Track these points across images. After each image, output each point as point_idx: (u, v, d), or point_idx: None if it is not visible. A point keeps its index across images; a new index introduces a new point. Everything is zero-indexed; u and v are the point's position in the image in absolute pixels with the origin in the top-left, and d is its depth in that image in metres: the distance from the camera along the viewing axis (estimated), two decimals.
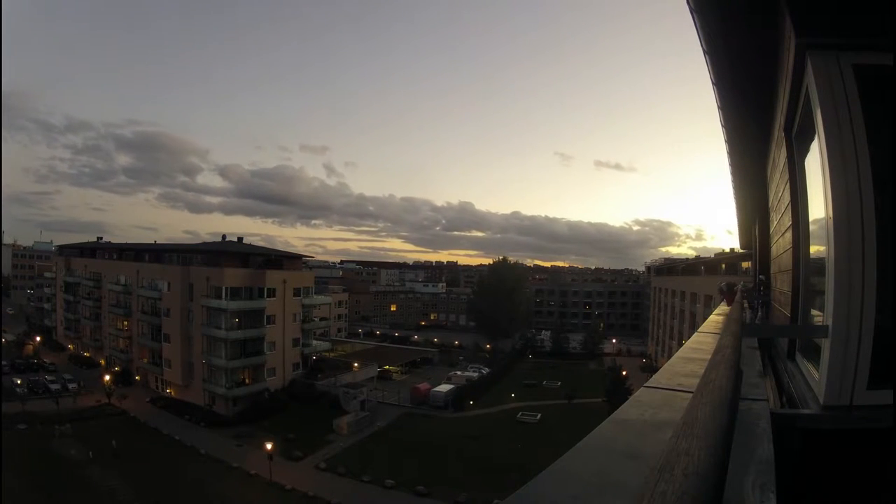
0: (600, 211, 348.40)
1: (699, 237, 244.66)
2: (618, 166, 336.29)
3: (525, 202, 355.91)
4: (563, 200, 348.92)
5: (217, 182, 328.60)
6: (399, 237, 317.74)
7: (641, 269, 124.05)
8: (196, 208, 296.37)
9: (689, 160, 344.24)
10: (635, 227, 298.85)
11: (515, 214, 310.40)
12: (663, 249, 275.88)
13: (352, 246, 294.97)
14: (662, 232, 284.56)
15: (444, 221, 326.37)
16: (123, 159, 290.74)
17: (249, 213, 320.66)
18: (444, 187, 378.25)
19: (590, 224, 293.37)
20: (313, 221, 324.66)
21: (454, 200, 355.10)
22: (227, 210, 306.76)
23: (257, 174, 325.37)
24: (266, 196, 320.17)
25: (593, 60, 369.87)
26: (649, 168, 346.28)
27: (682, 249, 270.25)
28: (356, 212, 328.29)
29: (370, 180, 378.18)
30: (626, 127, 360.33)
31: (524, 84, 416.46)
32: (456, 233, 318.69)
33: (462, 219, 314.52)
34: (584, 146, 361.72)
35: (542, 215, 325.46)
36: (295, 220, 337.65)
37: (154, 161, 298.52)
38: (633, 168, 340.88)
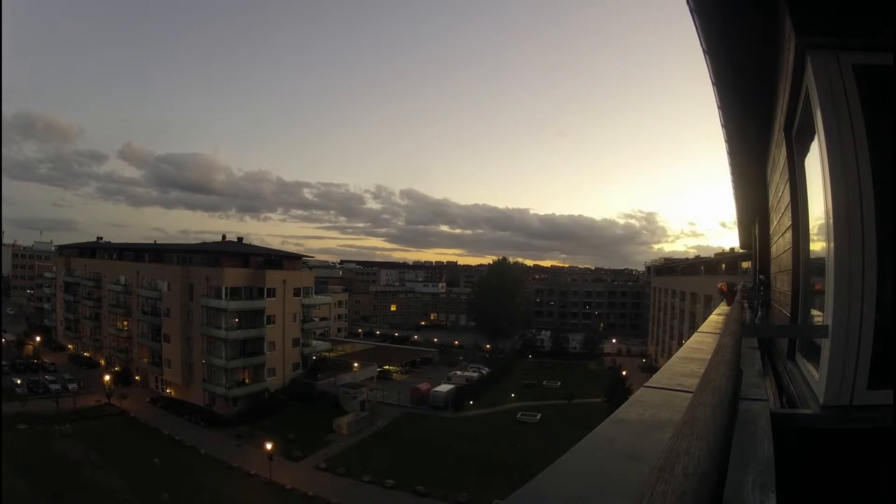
0: (584, 206, 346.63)
1: (694, 234, 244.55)
2: (606, 160, 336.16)
3: (480, 193, 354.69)
4: (534, 194, 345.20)
5: (126, 170, 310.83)
6: (375, 235, 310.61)
7: (641, 269, 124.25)
8: (136, 202, 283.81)
9: (683, 157, 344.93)
10: (620, 221, 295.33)
11: (477, 206, 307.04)
12: (656, 247, 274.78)
13: (331, 244, 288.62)
14: (652, 225, 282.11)
15: (404, 214, 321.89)
16: (27, 146, 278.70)
17: (190, 205, 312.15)
18: (369, 172, 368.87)
19: (562, 216, 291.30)
20: (264, 215, 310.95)
21: (391, 186, 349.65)
22: (166, 204, 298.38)
23: (165, 160, 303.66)
24: (190, 185, 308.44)
25: (588, 58, 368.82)
26: (642, 165, 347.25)
27: (677, 246, 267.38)
28: (297, 201, 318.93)
29: (283, 165, 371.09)
30: (623, 128, 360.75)
31: (511, 74, 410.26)
32: (421, 226, 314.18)
33: (418, 209, 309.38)
34: (575, 143, 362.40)
35: (502, 206, 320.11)
36: (239, 212, 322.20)
37: (47, 142, 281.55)
38: (628, 164, 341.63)
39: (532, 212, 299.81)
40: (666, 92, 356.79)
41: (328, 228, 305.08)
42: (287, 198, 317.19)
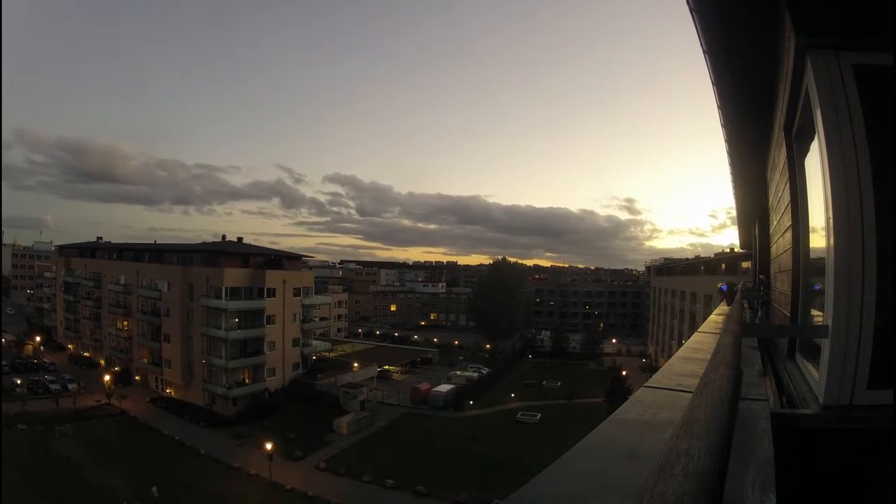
0: (563, 200, 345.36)
1: (691, 232, 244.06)
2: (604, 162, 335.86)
3: (434, 182, 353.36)
4: (498, 185, 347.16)
5: (33, 157, 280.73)
6: (340, 231, 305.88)
7: (640, 268, 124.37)
8: (73, 194, 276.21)
9: (679, 156, 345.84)
10: (602, 213, 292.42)
11: (427, 195, 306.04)
12: (648, 243, 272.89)
13: (308, 242, 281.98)
14: (636, 216, 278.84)
15: (352, 204, 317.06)
16: None
17: (126, 199, 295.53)
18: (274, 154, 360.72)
19: (529, 207, 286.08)
20: (207, 207, 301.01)
21: (298, 168, 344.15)
22: (102, 197, 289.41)
23: (63, 146, 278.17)
24: (106, 176, 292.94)
25: (585, 57, 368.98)
26: (633, 163, 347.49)
27: (670, 243, 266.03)
28: (226, 190, 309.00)
29: (182, 149, 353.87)
30: (618, 126, 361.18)
31: (511, 81, 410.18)
32: (377, 219, 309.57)
33: (361, 197, 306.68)
34: (575, 143, 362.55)
35: (453, 194, 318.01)
36: (175, 204, 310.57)
37: None
38: (619, 162, 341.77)
39: (490, 199, 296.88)
40: (661, 90, 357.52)
41: (294, 225, 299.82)
42: (210, 185, 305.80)
